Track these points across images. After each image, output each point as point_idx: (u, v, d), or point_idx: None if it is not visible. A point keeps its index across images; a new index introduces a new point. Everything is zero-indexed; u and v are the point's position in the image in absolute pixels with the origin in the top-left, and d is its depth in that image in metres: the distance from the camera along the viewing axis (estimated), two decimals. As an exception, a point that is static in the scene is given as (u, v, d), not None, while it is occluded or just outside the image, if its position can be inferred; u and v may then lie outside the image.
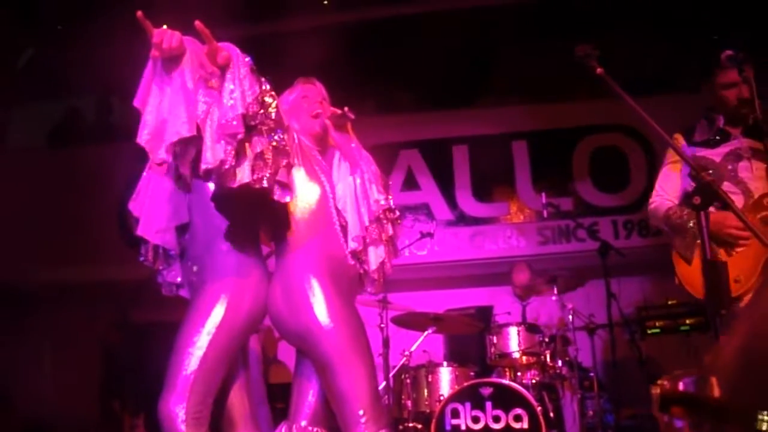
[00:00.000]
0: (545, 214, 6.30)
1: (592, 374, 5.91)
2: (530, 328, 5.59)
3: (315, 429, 2.86)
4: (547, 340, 5.56)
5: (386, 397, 6.10)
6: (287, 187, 2.63)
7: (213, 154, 2.38)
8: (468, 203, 7.93)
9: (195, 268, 2.83)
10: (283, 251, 2.88)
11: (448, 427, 5.00)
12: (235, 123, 2.38)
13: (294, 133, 2.87)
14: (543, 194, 6.22)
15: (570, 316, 5.81)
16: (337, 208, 2.96)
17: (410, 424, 5.86)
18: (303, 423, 2.84)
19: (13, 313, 6.92)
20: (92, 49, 6.99)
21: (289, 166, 2.62)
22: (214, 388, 2.68)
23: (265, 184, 2.50)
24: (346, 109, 3.08)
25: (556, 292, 5.96)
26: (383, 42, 7.57)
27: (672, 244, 3.73)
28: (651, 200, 3.90)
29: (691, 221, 3.50)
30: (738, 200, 3.52)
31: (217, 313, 2.67)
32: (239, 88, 2.41)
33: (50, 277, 7.57)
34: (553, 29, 7.17)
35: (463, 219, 7.90)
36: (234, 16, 6.62)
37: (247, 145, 2.46)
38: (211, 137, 2.39)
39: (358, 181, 3.02)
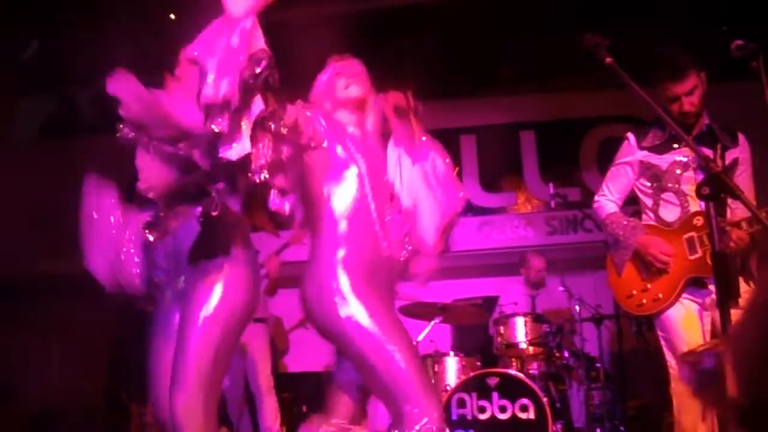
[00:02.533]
0: (553, 204, 6.30)
1: (598, 365, 5.91)
2: (537, 319, 5.59)
3: (351, 427, 2.81)
4: (553, 330, 5.56)
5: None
6: (285, 192, 2.63)
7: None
8: (475, 193, 7.92)
9: (182, 279, 2.74)
10: (316, 238, 2.80)
11: (454, 417, 5.00)
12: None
13: (320, 116, 2.79)
14: (551, 184, 6.21)
15: (577, 307, 5.81)
16: (372, 191, 2.81)
17: (417, 414, 5.88)
18: (335, 420, 2.78)
19: (18, 305, 6.95)
20: (91, 39, 6.99)
21: (290, 161, 2.62)
22: (220, 381, 2.66)
23: (264, 176, 2.47)
24: (408, 94, 2.98)
25: (561, 282, 5.95)
26: (388, 31, 7.54)
27: (610, 250, 3.83)
28: (596, 198, 3.93)
29: (626, 234, 3.65)
30: (675, 213, 3.63)
31: (215, 308, 2.61)
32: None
33: (55, 269, 7.59)
34: (562, 18, 7.12)
35: (470, 209, 7.88)
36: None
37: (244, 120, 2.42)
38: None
39: (431, 177, 2.93)
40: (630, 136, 3.83)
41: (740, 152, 3.71)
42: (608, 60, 2.44)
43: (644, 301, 3.62)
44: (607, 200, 3.83)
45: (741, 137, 3.77)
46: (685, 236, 3.57)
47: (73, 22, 7.47)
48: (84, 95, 8.78)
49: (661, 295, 3.57)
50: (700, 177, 3.53)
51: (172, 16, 7.39)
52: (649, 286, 3.62)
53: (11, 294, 6.71)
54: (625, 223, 3.72)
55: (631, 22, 6.95)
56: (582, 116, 8.14)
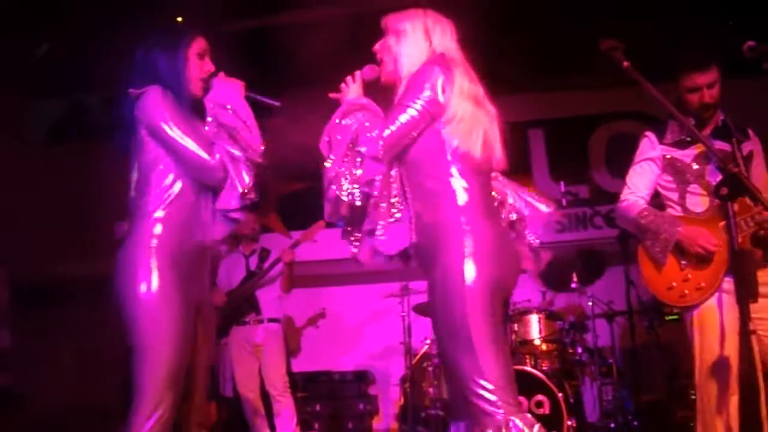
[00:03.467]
0: (564, 202, 6.31)
1: (611, 361, 5.95)
2: (550, 316, 5.63)
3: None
4: (567, 327, 5.59)
5: (407, 384, 6.17)
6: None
7: None
8: (485, 191, 7.92)
9: None
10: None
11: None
12: None
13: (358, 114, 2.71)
14: (562, 182, 6.24)
15: (589, 303, 5.84)
16: None
17: (432, 411, 5.93)
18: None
19: (37, 307, 7.00)
20: (100, 43, 7.04)
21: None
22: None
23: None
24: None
25: (575, 280, 5.97)
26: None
27: (641, 243, 3.77)
28: (622, 197, 3.88)
29: (666, 226, 3.62)
30: (703, 203, 3.65)
31: None
32: None
33: (73, 271, 7.66)
34: (568, 14, 7.14)
35: (480, 207, 7.89)
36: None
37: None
38: None
39: None
40: (649, 134, 3.86)
41: (753, 145, 3.77)
42: (626, 64, 2.47)
43: (686, 291, 3.59)
44: (636, 197, 3.81)
45: (751, 132, 3.82)
46: (721, 224, 3.54)
47: (82, 26, 7.52)
48: (94, 99, 8.83)
49: (703, 284, 3.55)
50: None
51: (180, 20, 7.44)
52: (689, 276, 3.59)
53: (25, 297, 6.76)
54: (660, 215, 3.70)
55: (638, 16, 6.96)
56: (590, 113, 8.15)
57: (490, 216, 2.60)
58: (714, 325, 3.49)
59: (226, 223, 2.82)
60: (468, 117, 2.59)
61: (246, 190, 2.74)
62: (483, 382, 2.40)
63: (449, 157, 2.57)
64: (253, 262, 6.25)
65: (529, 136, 8.13)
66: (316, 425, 7.51)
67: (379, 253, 2.66)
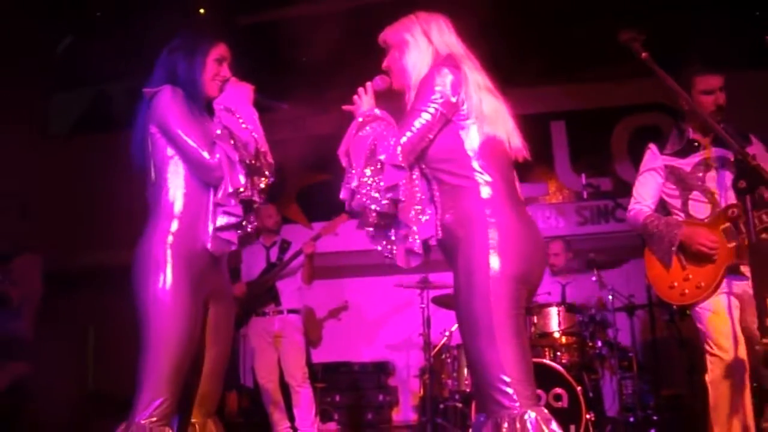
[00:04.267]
0: (585, 194, 6.29)
1: (631, 354, 5.93)
2: (570, 309, 5.61)
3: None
4: (586, 320, 5.58)
5: (426, 375, 6.18)
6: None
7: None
8: (507, 183, 7.91)
9: None
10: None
11: (488, 406, 5.03)
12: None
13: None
14: (583, 175, 6.21)
15: (610, 297, 5.82)
16: None
17: (451, 403, 5.94)
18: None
19: (58, 296, 7.07)
20: (124, 35, 7.10)
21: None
22: None
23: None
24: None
25: (595, 271, 5.96)
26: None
27: (648, 246, 3.95)
28: (630, 207, 4.07)
29: (669, 229, 3.78)
30: (705, 209, 3.79)
31: None
32: None
33: (93, 261, 7.75)
34: (590, 7, 7.10)
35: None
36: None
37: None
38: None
39: None
40: (652, 146, 4.04)
41: (756, 149, 3.80)
42: (644, 55, 2.47)
43: (686, 290, 3.73)
44: (641, 206, 3.98)
45: (753, 137, 3.92)
46: (722, 227, 3.69)
47: (106, 18, 7.58)
48: (117, 90, 8.90)
49: (703, 284, 3.68)
50: (723, 174, 3.78)
51: (202, 11, 7.48)
52: (690, 276, 3.74)
53: (49, 286, 6.83)
54: (664, 220, 3.86)
55: (658, 8, 6.92)
56: (613, 105, 8.12)
57: (515, 208, 2.60)
58: (719, 322, 3.62)
59: (225, 218, 2.87)
60: (490, 109, 2.63)
61: (235, 191, 2.82)
62: (502, 375, 2.41)
63: (470, 153, 2.60)
64: (274, 253, 6.28)
65: (551, 128, 8.10)
66: (336, 416, 7.55)
67: (415, 255, 2.68)
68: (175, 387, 2.71)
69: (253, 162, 2.88)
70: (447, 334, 6.18)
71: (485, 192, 2.56)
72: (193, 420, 2.90)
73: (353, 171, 2.69)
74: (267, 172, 2.97)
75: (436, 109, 2.57)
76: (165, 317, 2.70)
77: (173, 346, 2.69)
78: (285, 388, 6.14)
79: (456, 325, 6.07)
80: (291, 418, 6.04)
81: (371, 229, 2.74)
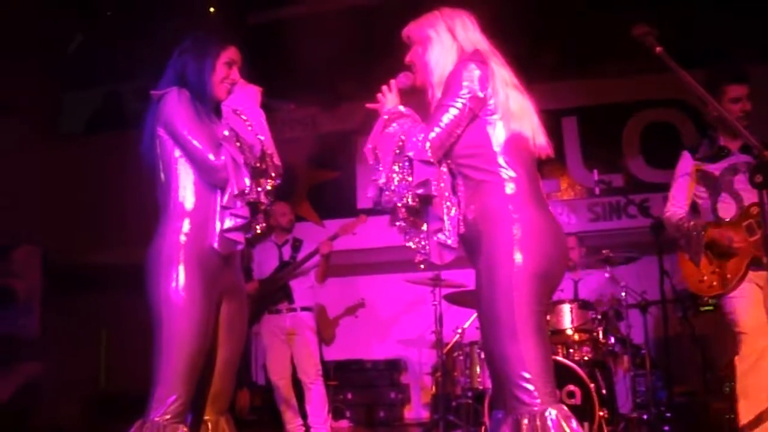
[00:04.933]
0: (597, 190, 6.27)
1: (644, 351, 5.89)
2: (582, 305, 5.58)
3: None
4: (599, 317, 5.56)
5: (439, 373, 6.18)
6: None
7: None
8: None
9: None
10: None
11: (500, 404, 5.02)
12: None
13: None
14: (595, 171, 6.19)
15: (623, 293, 5.79)
16: None
17: (464, 401, 5.93)
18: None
19: (73, 294, 7.10)
20: (138, 35, 7.10)
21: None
22: None
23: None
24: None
25: (608, 268, 5.93)
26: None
27: (681, 247, 4.26)
28: (665, 210, 4.36)
29: (696, 231, 4.11)
30: (732, 209, 4.11)
31: None
32: None
33: (105, 260, 7.77)
34: (604, 0, 7.08)
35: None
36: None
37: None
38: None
39: None
40: (685, 152, 4.30)
41: None
42: (658, 49, 2.44)
43: (715, 282, 4.09)
44: (675, 209, 4.26)
45: None
46: (744, 224, 4.02)
47: (116, 18, 7.60)
48: (129, 89, 8.92)
49: (729, 275, 4.03)
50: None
51: (212, 10, 7.49)
52: (717, 269, 4.10)
53: (63, 285, 6.86)
54: (693, 222, 4.16)
55: (673, 2, 6.89)
56: (625, 101, 8.09)
57: (539, 205, 2.59)
58: (747, 306, 3.98)
59: (232, 221, 2.87)
60: (517, 106, 2.62)
61: (240, 193, 2.83)
62: (523, 372, 2.40)
63: (496, 149, 2.59)
64: (286, 251, 6.28)
65: (563, 124, 8.08)
66: (348, 413, 7.55)
67: (449, 250, 2.66)
68: (189, 385, 2.73)
69: (258, 164, 2.89)
70: (459, 331, 6.17)
71: (509, 188, 2.55)
72: (205, 417, 2.91)
73: (381, 168, 2.67)
74: (273, 174, 2.96)
75: (464, 105, 2.56)
76: (178, 316, 2.72)
77: (187, 345, 2.71)
78: (297, 386, 6.13)
79: (468, 323, 6.10)
80: (303, 416, 6.04)
81: (403, 224, 2.72)
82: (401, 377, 8.06)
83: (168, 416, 2.65)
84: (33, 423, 5.15)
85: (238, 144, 2.83)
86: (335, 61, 7.70)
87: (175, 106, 2.85)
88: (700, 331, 6.05)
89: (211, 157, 2.80)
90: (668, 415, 5.67)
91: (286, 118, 8.24)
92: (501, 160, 2.57)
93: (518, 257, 2.46)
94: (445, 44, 2.74)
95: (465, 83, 2.57)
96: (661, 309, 5.88)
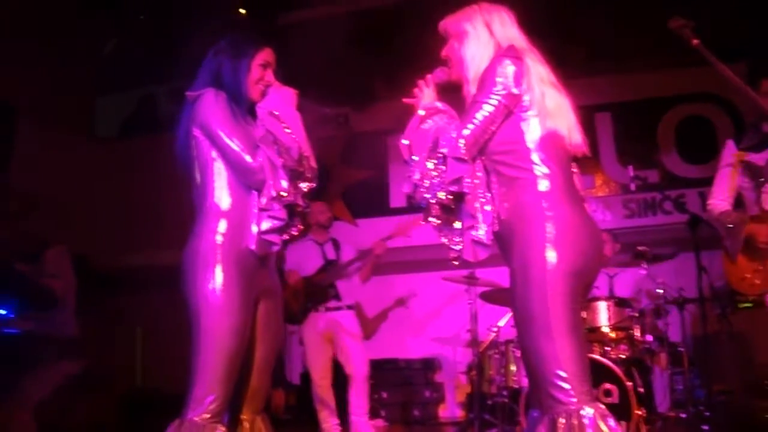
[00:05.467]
0: (632, 187, 6.20)
1: (681, 349, 5.82)
2: (619, 303, 5.53)
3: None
4: (636, 314, 5.50)
5: (474, 372, 6.16)
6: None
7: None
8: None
9: None
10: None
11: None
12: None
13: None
14: (630, 167, 6.12)
15: (660, 290, 5.73)
16: None
17: (499, 399, 5.90)
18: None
19: (109, 295, 7.18)
20: (171, 38, 7.16)
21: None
22: None
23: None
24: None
25: (644, 265, 5.87)
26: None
27: (722, 242, 4.20)
28: (708, 201, 4.32)
29: (735, 225, 4.06)
30: None
31: None
32: None
33: (140, 261, 7.85)
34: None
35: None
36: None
37: None
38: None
39: None
40: (729, 141, 4.24)
41: None
42: (695, 42, 2.41)
43: (757, 281, 4.07)
44: (718, 201, 4.20)
45: None
46: None
47: (150, 21, 7.66)
48: (163, 92, 9.00)
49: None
50: None
51: (242, 11, 7.53)
52: (760, 267, 4.04)
53: (100, 286, 6.94)
54: (735, 217, 4.10)
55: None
56: (659, 96, 8.00)
57: (573, 202, 2.57)
58: None
59: (270, 222, 2.87)
60: (553, 104, 2.60)
61: (278, 195, 2.82)
62: (558, 371, 2.38)
63: (530, 145, 2.57)
64: (329, 250, 6.32)
65: (596, 120, 8.01)
66: (383, 413, 7.55)
67: (483, 247, 2.64)
68: (227, 384, 2.73)
69: (295, 167, 2.88)
70: (495, 330, 6.14)
71: (543, 185, 2.53)
72: (242, 417, 2.91)
73: (415, 164, 2.65)
74: (309, 176, 2.96)
75: (499, 101, 2.53)
76: (216, 316, 2.72)
77: (225, 344, 2.71)
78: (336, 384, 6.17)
79: (503, 321, 6.06)
80: (341, 415, 6.07)
81: (436, 221, 2.70)
82: (436, 376, 8.04)
83: (207, 416, 2.66)
84: (71, 421, 5.20)
85: (275, 146, 2.82)
86: (368, 61, 7.70)
87: (211, 106, 2.85)
88: (739, 328, 5.93)
89: (248, 158, 2.80)
90: (707, 414, 5.59)
91: (318, 118, 8.25)
92: (535, 157, 2.55)
93: (552, 255, 2.44)
94: (482, 39, 2.71)
95: (499, 79, 2.54)
96: (699, 306, 5.81)
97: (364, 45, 7.59)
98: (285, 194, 2.82)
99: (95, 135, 9.20)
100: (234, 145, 2.81)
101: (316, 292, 6.16)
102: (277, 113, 2.89)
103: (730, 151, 4.17)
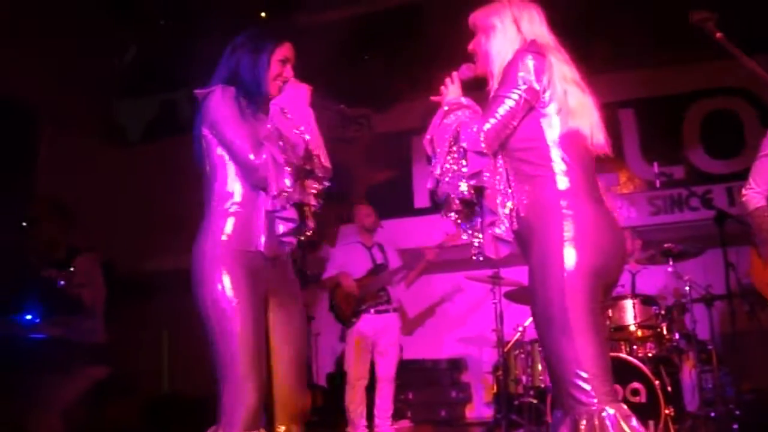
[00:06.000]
0: (657, 183, 6.13)
1: (710, 347, 5.76)
2: (645, 301, 5.48)
3: None
4: (663, 312, 5.44)
5: (500, 371, 6.13)
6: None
7: None
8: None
9: None
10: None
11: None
12: None
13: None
14: (655, 163, 6.06)
15: (687, 287, 5.66)
16: None
17: (526, 399, 5.87)
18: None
19: (135, 300, 7.22)
20: (191, 43, 7.19)
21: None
22: None
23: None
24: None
25: (671, 262, 5.80)
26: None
27: (752, 238, 4.02)
28: (743, 191, 4.05)
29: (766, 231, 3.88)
30: None
31: None
32: None
33: (164, 265, 7.88)
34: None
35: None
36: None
37: None
38: None
39: None
40: None
41: None
42: (718, 35, 2.38)
43: None
44: (754, 193, 3.97)
45: None
46: None
47: (170, 26, 7.71)
48: (183, 96, 9.04)
49: None
50: None
51: (263, 15, 7.55)
52: None
53: (125, 290, 6.99)
54: None
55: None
56: (683, 91, 7.93)
57: (593, 200, 2.54)
58: None
59: (284, 225, 2.83)
60: (576, 102, 2.57)
61: (279, 193, 2.75)
62: (579, 371, 2.35)
63: (550, 143, 2.54)
64: (377, 253, 6.43)
65: (620, 117, 7.94)
66: (409, 413, 7.54)
67: (504, 243, 2.61)
68: (255, 381, 2.68)
69: (302, 164, 2.82)
70: (520, 329, 6.11)
71: (562, 183, 2.50)
72: (278, 426, 2.86)
73: (436, 159, 2.63)
74: (321, 176, 2.91)
75: (520, 96, 2.51)
76: (226, 318, 2.68)
77: (241, 346, 2.66)
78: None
79: (529, 321, 6.02)
80: (369, 414, 6.14)
81: (455, 216, 2.68)
82: (462, 376, 8.02)
83: (242, 427, 2.61)
84: (98, 425, 5.23)
85: (280, 143, 2.77)
86: (388, 62, 7.70)
87: (218, 104, 2.82)
88: (768, 325, 5.89)
89: (252, 156, 2.76)
90: (737, 412, 5.52)
91: (339, 118, 8.26)
92: (554, 155, 2.53)
93: (570, 254, 2.41)
94: (509, 35, 2.68)
95: (521, 74, 2.52)
96: (728, 303, 5.74)
97: (384, 45, 7.59)
98: (287, 192, 2.76)
99: (117, 140, 9.26)
100: (238, 142, 2.78)
101: (368, 294, 6.24)
102: (287, 109, 2.84)
103: None
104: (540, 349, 5.70)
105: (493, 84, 2.65)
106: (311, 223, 2.96)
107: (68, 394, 4.59)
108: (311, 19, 7.65)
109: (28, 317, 4.65)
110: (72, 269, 4.82)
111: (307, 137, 2.81)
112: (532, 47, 2.59)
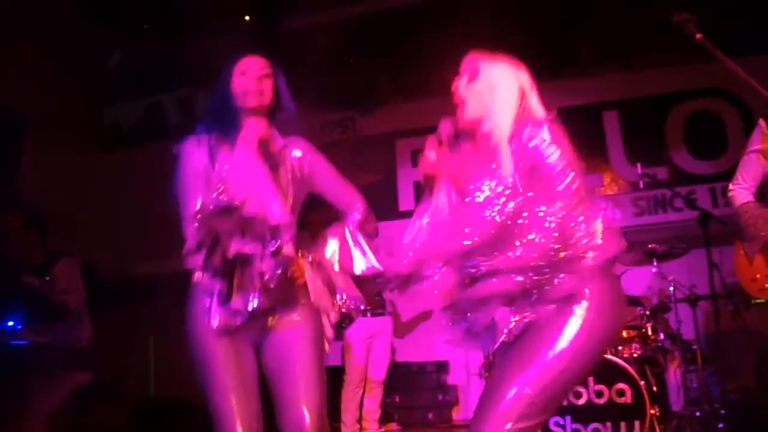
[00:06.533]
0: (641, 184, 6.18)
1: (695, 347, 5.78)
2: (630, 301, 5.50)
3: None
4: (647, 312, 5.46)
5: (486, 374, 6.13)
6: None
7: None
8: (560, 177, 7.82)
9: None
10: None
11: (550, 404, 4.97)
12: None
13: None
14: (639, 165, 6.10)
15: (671, 288, 5.69)
16: None
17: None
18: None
19: (121, 304, 7.19)
20: (177, 47, 7.18)
21: None
22: None
23: None
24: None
25: (655, 263, 5.83)
26: (464, 11, 7.52)
27: (738, 234, 4.03)
28: (731, 186, 4.07)
29: (757, 223, 3.88)
30: None
31: None
32: None
33: (150, 270, 7.85)
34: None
35: (557, 193, 7.80)
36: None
37: None
38: None
39: None
40: (762, 122, 3.94)
41: None
42: (698, 36, 2.40)
43: (767, 285, 3.91)
44: (741, 188, 3.99)
45: None
46: None
47: (156, 30, 7.70)
48: (169, 100, 9.03)
49: None
50: None
51: (247, 18, 7.55)
52: None
53: (111, 295, 6.96)
54: (757, 213, 3.89)
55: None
56: (666, 92, 7.97)
57: None
58: None
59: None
60: None
61: (187, 251, 2.64)
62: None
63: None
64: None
65: (604, 119, 7.98)
66: (396, 416, 7.53)
67: None
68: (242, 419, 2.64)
69: (237, 228, 2.62)
70: (505, 331, 6.11)
71: None
72: None
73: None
74: (269, 236, 2.64)
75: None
76: (204, 373, 2.69)
77: (219, 393, 2.65)
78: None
79: (516, 320, 6.02)
80: (358, 421, 6.18)
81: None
82: (449, 379, 8.01)
83: None
84: (85, 430, 5.21)
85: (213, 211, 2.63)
86: (373, 65, 7.70)
87: (179, 168, 2.86)
88: (753, 325, 5.90)
89: (188, 229, 2.66)
90: (722, 411, 5.55)
91: (325, 121, 8.26)
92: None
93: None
94: (509, 102, 2.51)
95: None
96: (712, 303, 5.77)
97: (368, 49, 7.59)
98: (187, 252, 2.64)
99: (103, 143, 9.23)
100: (184, 211, 2.77)
101: (367, 297, 6.25)
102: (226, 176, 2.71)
103: (757, 136, 3.94)
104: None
105: (486, 138, 2.47)
106: (261, 294, 2.65)
107: (52, 399, 4.57)
108: (296, 22, 7.66)
109: (10, 323, 4.63)
110: (51, 275, 4.80)
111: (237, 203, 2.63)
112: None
